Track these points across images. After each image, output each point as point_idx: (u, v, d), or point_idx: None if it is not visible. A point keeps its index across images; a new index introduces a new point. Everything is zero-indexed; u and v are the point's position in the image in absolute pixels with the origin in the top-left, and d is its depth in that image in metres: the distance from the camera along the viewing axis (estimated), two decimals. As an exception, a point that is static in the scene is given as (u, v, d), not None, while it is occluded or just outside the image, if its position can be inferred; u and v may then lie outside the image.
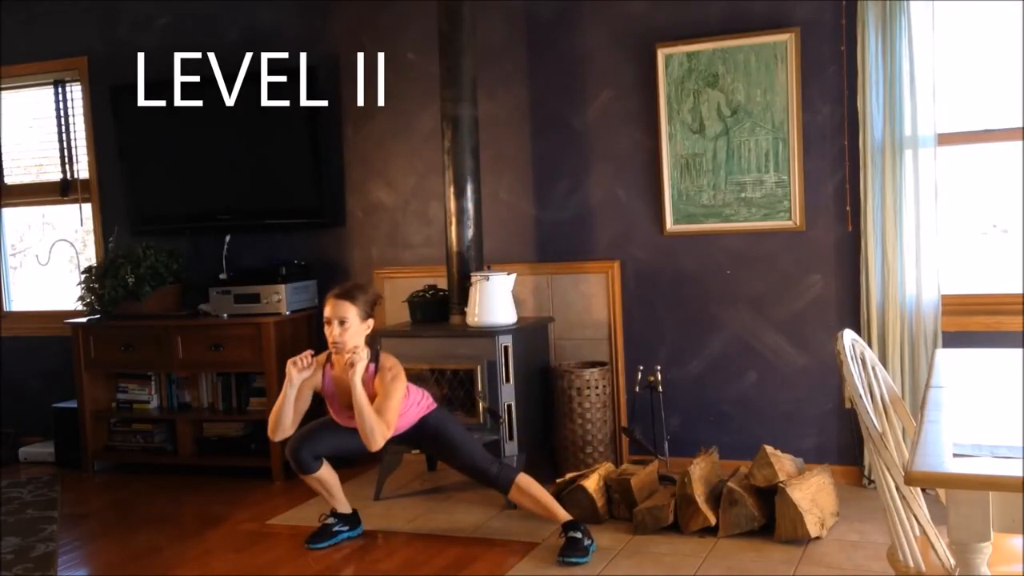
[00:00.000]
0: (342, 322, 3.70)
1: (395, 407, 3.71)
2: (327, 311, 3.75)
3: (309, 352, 3.77)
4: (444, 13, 4.56)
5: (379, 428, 3.64)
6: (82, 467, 5.38)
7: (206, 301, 5.21)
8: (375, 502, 4.44)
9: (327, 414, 3.96)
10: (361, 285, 3.90)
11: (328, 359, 3.85)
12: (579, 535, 3.68)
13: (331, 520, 4.03)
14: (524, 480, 3.85)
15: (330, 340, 3.73)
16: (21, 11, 5.83)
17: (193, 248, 5.51)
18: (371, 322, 3.80)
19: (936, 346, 4.11)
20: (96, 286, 5.31)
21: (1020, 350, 2.87)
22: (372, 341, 3.85)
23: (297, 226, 5.28)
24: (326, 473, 3.99)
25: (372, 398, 3.72)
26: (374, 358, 3.80)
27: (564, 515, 3.79)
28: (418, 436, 3.96)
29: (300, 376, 3.72)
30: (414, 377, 4.59)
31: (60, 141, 5.87)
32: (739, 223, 4.51)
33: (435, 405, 3.98)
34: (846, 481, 4.34)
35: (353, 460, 4.70)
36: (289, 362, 3.72)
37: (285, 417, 3.75)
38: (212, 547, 4.05)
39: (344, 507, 4.05)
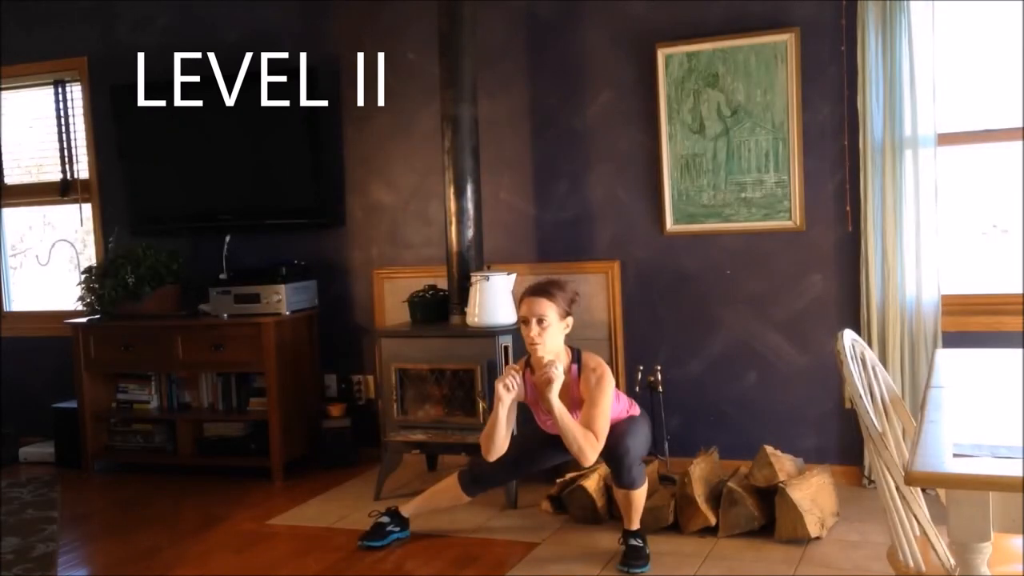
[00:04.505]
0: (540, 321, 3.51)
1: (605, 415, 3.50)
2: (523, 310, 3.57)
3: (514, 368, 3.59)
4: (444, 13, 4.56)
5: (588, 443, 3.45)
6: (82, 467, 5.38)
7: (206, 301, 5.21)
8: (375, 502, 4.43)
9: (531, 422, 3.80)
10: (558, 281, 3.67)
11: (527, 364, 3.67)
12: (641, 543, 3.60)
13: (385, 519, 3.95)
14: (643, 492, 3.67)
15: (527, 341, 3.54)
16: (21, 11, 5.83)
17: (193, 248, 5.51)
18: (570, 320, 3.62)
19: (936, 346, 4.11)
20: (96, 286, 5.31)
21: (1020, 350, 2.87)
22: (569, 342, 3.68)
23: (297, 226, 5.27)
24: (461, 501, 3.94)
25: (578, 402, 3.56)
26: (576, 359, 3.64)
27: (637, 524, 3.68)
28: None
29: (510, 396, 3.53)
30: (413, 377, 4.61)
31: (60, 141, 5.87)
32: (739, 223, 4.51)
33: (639, 411, 3.82)
34: (846, 481, 4.34)
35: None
36: (498, 383, 3.54)
37: (499, 439, 3.57)
38: (212, 547, 4.05)
39: (407, 512, 3.97)
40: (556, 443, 3.67)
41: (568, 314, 3.61)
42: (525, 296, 3.61)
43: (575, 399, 3.61)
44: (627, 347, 4.75)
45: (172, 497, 4.84)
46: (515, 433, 3.75)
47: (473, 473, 3.91)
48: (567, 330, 3.63)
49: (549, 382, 3.45)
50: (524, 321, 3.56)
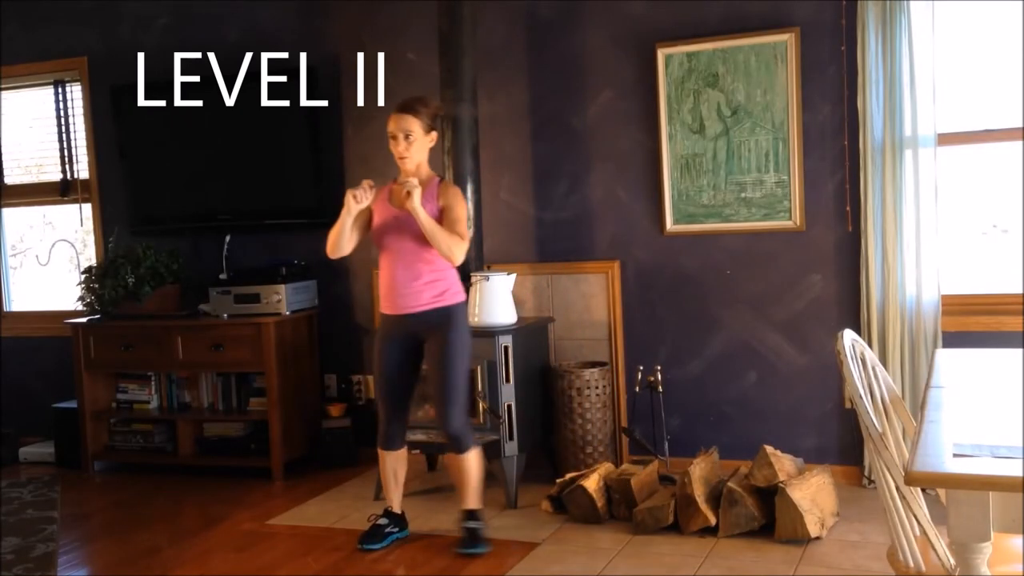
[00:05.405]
0: (407, 135, 3.75)
1: (463, 220, 3.75)
2: (391, 126, 3.79)
3: (368, 182, 3.78)
4: (444, 13, 4.56)
5: (454, 242, 3.67)
6: (82, 467, 5.38)
7: (206, 301, 5.21)
8: (375, 502, 4.43)
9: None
10: (423, 98, 3.89)
11: (387, 189, 3.90)
12: (480, 525, 3.80)
13: (383, 520, 3.99)
14: (474, 457, 3.85)
15: (397, 155, 3.79)
16: (21, 11, 5.83)
17: (193, 248, 5.51)
18: (434, 135, 3.85)
19: (936, 346, 4.11)
20: (96, 286, 5.31)
21: (1020, 350, 2.87)
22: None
23: (297, 226, 5.27)
24: (403, 458, 4.00)
25: (434, 212, 3.74)
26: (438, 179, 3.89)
27: (475, 503, 3.85)
28: (427, 327, 3.80)
29: (358, 207, 3.74)
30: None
31: (60, 141, 5.87)
32: (739, 223, 4.51)
33: (462, 296, 3.90)
34: (846, 481, 4.34)
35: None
36: (349, 192, 3.73)
37: (343, 242, 3.81)
38: (212, 547, 4.05)
39: (398, 506, 4.03)
40: (409, 358, 3.87)
41: (432, 128, 3.83)
42: (392, 114, 3.81)
43: (433, 209, 3.76)
44: (627, 347, 4.75)
45: (172, 497, 4.84)
46: (382, 376, 3.91)
47: (382, 436, 3.98)
48: (432, 144, 3.85)
49: (409, 195, 3.63)
50: (392, 137, 3.78)
